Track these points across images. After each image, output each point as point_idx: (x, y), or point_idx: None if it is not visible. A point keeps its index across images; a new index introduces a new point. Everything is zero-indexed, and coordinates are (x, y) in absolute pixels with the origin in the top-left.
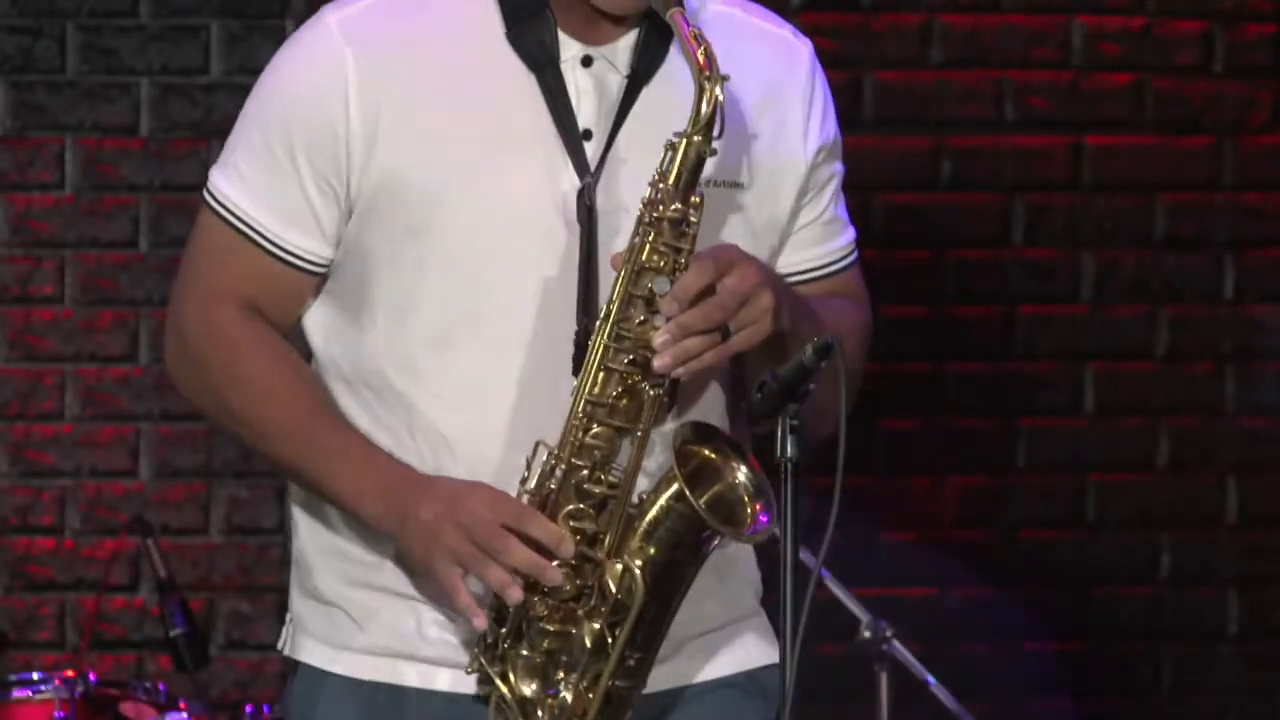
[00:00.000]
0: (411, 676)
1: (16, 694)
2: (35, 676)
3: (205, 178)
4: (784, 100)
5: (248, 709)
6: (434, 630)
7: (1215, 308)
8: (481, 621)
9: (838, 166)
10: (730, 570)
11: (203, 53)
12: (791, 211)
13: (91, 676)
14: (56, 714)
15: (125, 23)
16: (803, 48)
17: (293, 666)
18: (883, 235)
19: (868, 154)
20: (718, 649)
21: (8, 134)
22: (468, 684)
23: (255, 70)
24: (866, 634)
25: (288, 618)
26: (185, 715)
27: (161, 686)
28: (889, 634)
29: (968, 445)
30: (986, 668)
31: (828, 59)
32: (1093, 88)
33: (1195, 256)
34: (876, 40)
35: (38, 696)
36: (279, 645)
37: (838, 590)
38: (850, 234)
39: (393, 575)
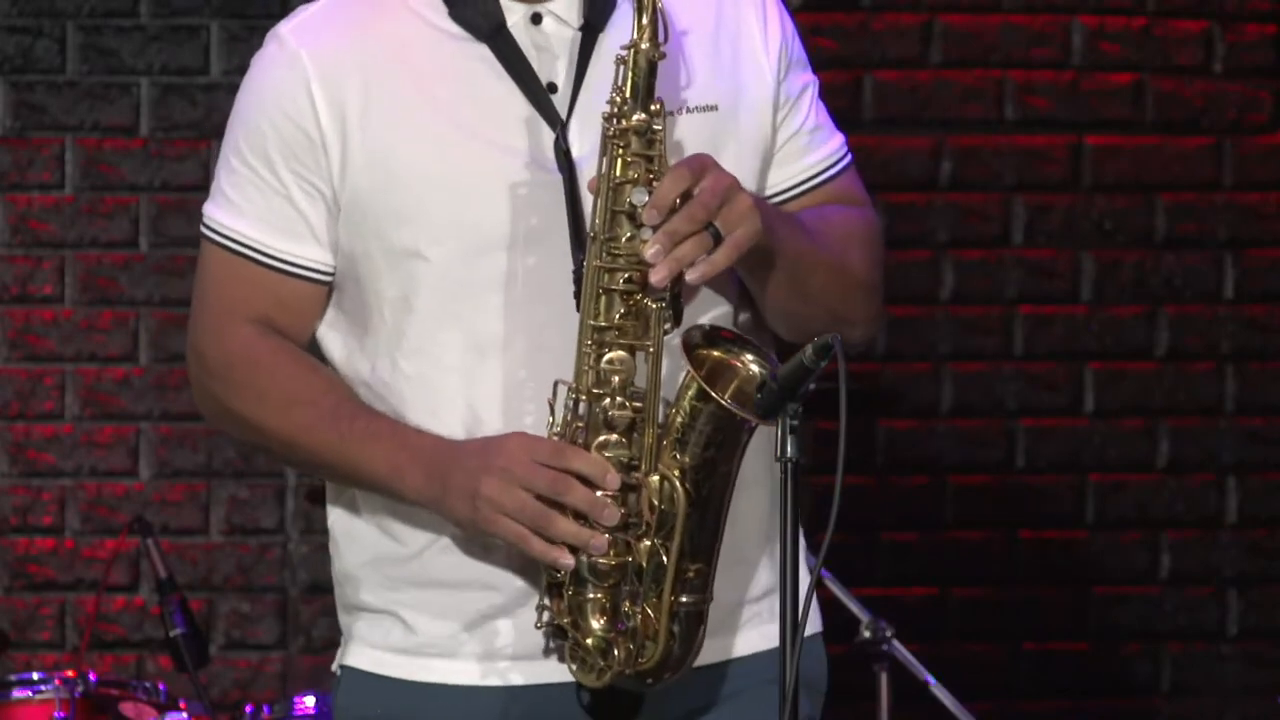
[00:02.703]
0: (464, 675)
1: (16, 694)
2: (35, 676)
3: (205, 178)
4: (737, 21)
5: (248, 709)
6: (485, 624)
7: (1215, 308)
8: (569, 560)
9: (809, 76)
10: (765, 529)
11: (203, 53)
12: (771, 129)
13: (91, 676)
14: (56, 714)
15: (125, 23)
16: None
17: (336, 676)
18: (883, 235)
19: (868, 154)
20: (764, 619)
21: (8, 134)
22: (519, 677)
23: None
24: (866, 634)
25: (342, 639)
26: (185, 715)
27: (161, 686)
28: (889, 634)
29: (968, 445)
30: (986, 668)
31: (828, 59)
32: (1093, 88)
33: (1195, 256)
34: (877, 40)
35: (38, 696)
36: (333, 667)
37: (838, 590)
38: (838, 140)
39: (441, 565)
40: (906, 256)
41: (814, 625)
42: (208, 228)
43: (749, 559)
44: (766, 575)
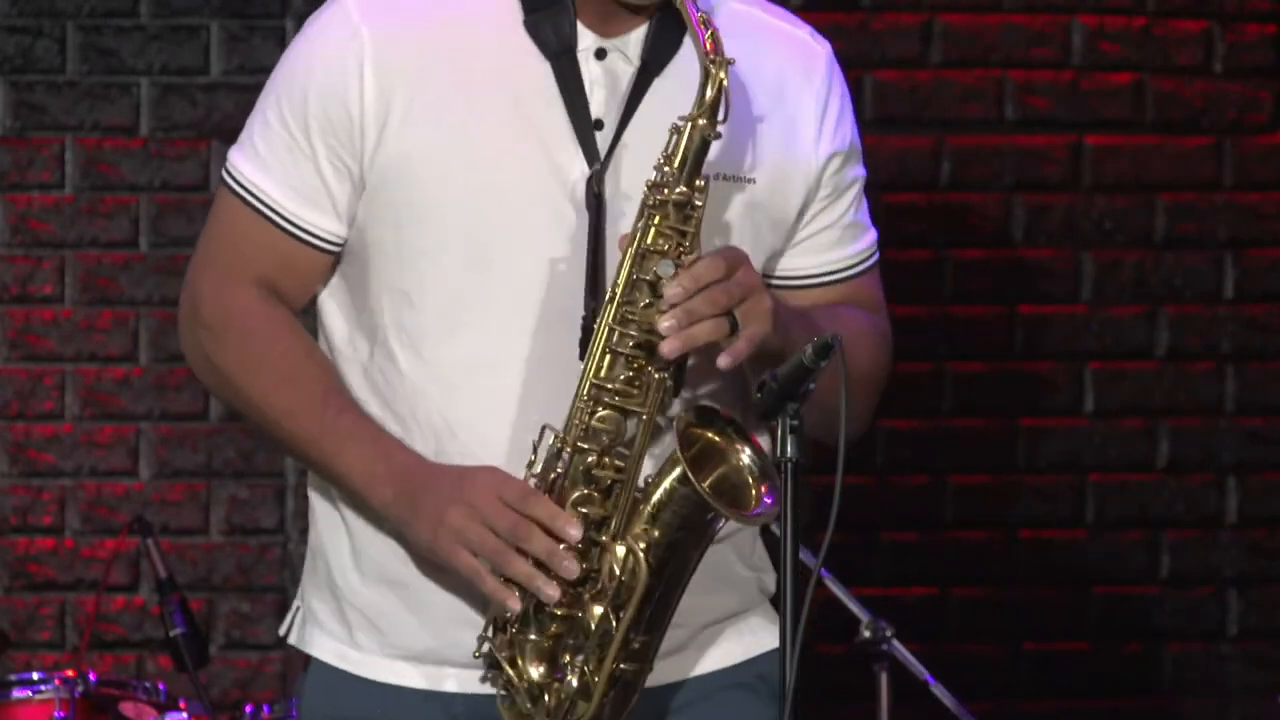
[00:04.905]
0: (425, 679)
1: (16, 694)
2: (35, 676)
3: (206, 178)
4: (797, 100)
5: (248, 709)
6: (450, 630)
7: (1215, 308)
8: (516, 603)
9: (858, 171)
10: (738, 560)
11: (203, 53)
12: (798, 213)
13: (91, 676)
14: (56, 714)
15: (125, 23)
16: (820, 50)
17: (304, 660)
18: (883, 235)
19: (868, 154)
20: (726, 637)
21: (8, 134)
22: (485, 684)
23: (255, 70)
24: (866, 634)
25: (295, 605)
26: (185, 715)
27: (161, 686)
28: (889, 634)
29: (968, 445)
30: (986, 668)
31: None
32: (1093, 88)
33: (1195, 256)
34: (877, 40)
35: (38, 696)
36: (281, 630)
37: (838, 590)
38: (870, 238)
39: (410, 568)
40: (906, 256)
41: (776, 641)
42: (231, 175)
43: (714, 589)
44: (730, 601)
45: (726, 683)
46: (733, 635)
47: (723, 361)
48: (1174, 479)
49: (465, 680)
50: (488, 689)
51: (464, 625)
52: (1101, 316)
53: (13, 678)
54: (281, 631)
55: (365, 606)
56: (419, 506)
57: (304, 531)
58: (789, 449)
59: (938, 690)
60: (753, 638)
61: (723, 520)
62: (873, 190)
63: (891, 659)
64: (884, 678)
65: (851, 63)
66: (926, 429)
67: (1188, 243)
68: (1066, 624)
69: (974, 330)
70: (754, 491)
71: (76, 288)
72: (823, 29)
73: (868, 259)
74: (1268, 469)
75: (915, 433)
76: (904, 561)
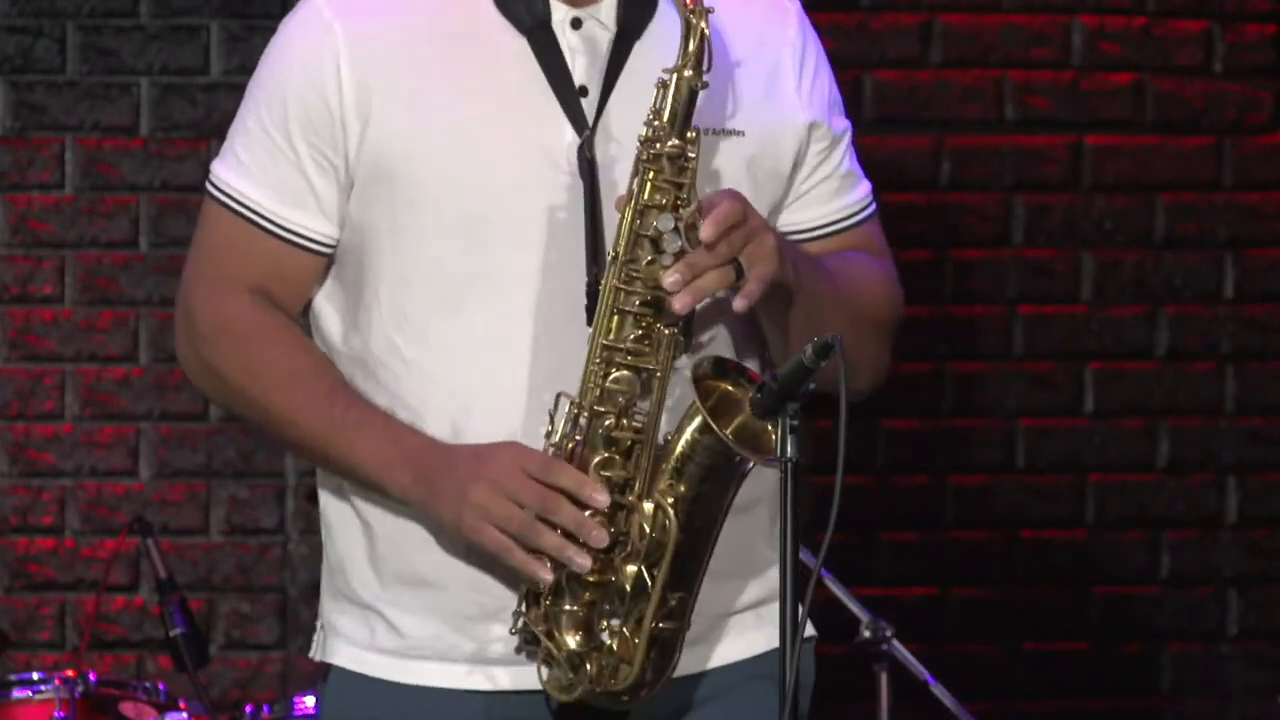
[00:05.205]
0: (451, 678)
1: (16, 694)
2: (35, 676)
3: (205, 178)
4: (775, 54)
5: (248, 709)
6: (473, 627)
7: (1215, 308)
8: (548, 574)
9: (845, 122)
10: (762, 541)
11: (203, 53)
12: (793, 166)
13: (91, 676)
14: (56, 714)
15: (125, 23)
16: (790, 4)
17: (324, 671)
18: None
19: (868, 154)
20: (750, 627)
21: (8, 134)
22: (506, 681)
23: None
24: (866, 634)
25: (318, 624)
26: (185, 715)
27: (161, 686)
28: (889, 634)
29: (967, 445)
30: (986, 668)
31: (827, 58)
32: (1093, 88)
33: (1195, 256)
34: (876, 40)
35: (38, 696)
36: (311, 653)
37: (838, 590)
38: (865, 187)
39: (430, 567)
40: (906, 256)
41: (807, 629)
42: (215, 186)
43: (737, 574)
44: (754, 588)
45: (751, 674)
46: (755, 625)
47: (737, 305)
48: (1174, 479)
49: (491, 677)
50: (513, 685)
51: (487, 621)
52: (1101, 316)
53: (13, 678)
54: (311, 654)
55: (386, 608)
56: (438, 488)
57: (304, 532)
58: (789, 449)
59: (938, 690)
60: (774, 628)
61: (749, 464)
62: (873, 190)
63: (891, 659)
64: (884, 678)
65: (851, 63)
66: (926, 429)
67: (1188, 243)
68: (1066, 624)
69: (974, 330)
70: (773, 436)
71: (76, 288)
72: (822, 29)
73: (866, 207)
74: (1268, 469)
75: (915, 433)
76: (904, 561)
